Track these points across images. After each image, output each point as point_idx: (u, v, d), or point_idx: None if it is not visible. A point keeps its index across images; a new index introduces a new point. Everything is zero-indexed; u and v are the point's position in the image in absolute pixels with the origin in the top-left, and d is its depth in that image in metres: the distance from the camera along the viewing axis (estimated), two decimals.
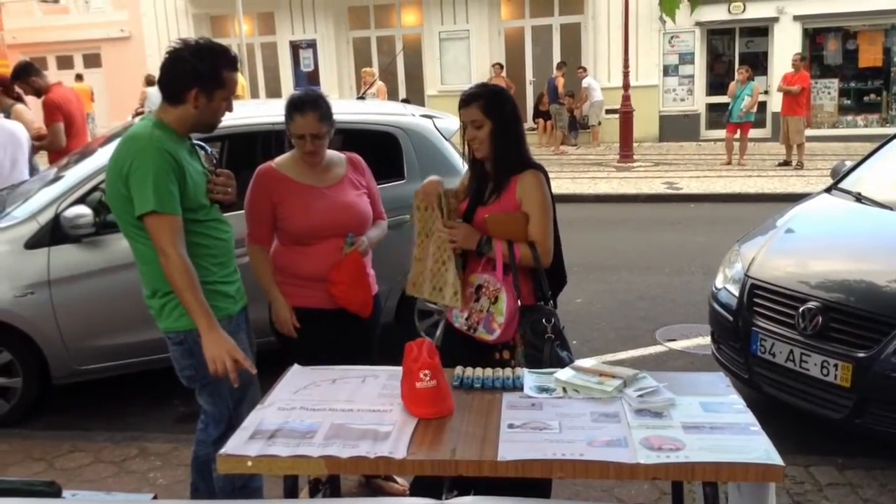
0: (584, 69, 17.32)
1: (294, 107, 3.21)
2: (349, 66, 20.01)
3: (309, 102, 3.21)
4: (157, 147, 2.71)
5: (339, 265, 3.28)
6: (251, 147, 5.11)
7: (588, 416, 2.33)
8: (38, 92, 6.80)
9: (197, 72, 2.76)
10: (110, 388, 4.93)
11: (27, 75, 6.80)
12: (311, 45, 19.91)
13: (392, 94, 17.55)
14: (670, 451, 2.09)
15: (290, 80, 20.06)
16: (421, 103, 16.81)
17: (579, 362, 2.63)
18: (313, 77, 19.62)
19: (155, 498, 2.51)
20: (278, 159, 3.35)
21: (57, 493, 2.28)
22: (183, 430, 4.36)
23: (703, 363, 5.05)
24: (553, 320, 3.00)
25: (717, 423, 2.24)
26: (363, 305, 3.38)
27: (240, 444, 2.22)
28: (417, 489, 2.95)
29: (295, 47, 20.04)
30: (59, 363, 4.55)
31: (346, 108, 5.57)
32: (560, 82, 17.20)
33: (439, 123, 5.59)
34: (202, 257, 2.85)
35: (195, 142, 3.06)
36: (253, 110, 6.29)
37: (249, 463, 2.17)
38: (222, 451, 2.22)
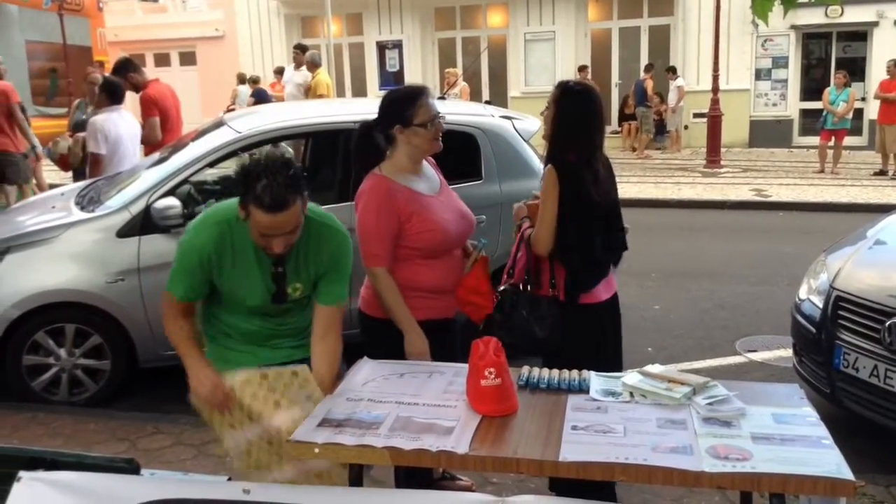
0: (674, 71, 16.94)
1: (416, 94, 3.09)
2: (434, 66, 20.15)
3: (423, 87, 3.16)
4: (198, 234, 2.77)
5: (475, 273, 3.15)
6: (334, 145, 5.23)
7: (654, 421, 2.31)
8: (137, 87, 7.12)
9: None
10: None
11: (127, 71, 7.13)
12: (398, 45, 20.15)
13: (475, 95, 17.60)
14: (737, 461, 2.05)
15: (376, 79, 20.34)
16: (504, 105, 16.81)
17: (648, 368, 2.60)
18: (398, 77, 19.84)
19: (229, 479, 2.62)
20: (385, 170, 3.11)
21: (135, 471, 2.40)
22: None
23: (783, 376, 4.90)
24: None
25: (787, 435, 2.19)
26: (488, 310, 3.21)
27: (309, 431, 2.30)
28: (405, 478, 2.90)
29: (381, 47, 20.30)
30: (146, 348, 4.75)
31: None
32: (649, 85, 16.92)
33: (518, 124, 5.58)
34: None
35: None
36: (337, 108, 6.43)
37: (317, 450, 2.24)
38: (292, 436, 2.30)
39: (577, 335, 3.15)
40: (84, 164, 7.25)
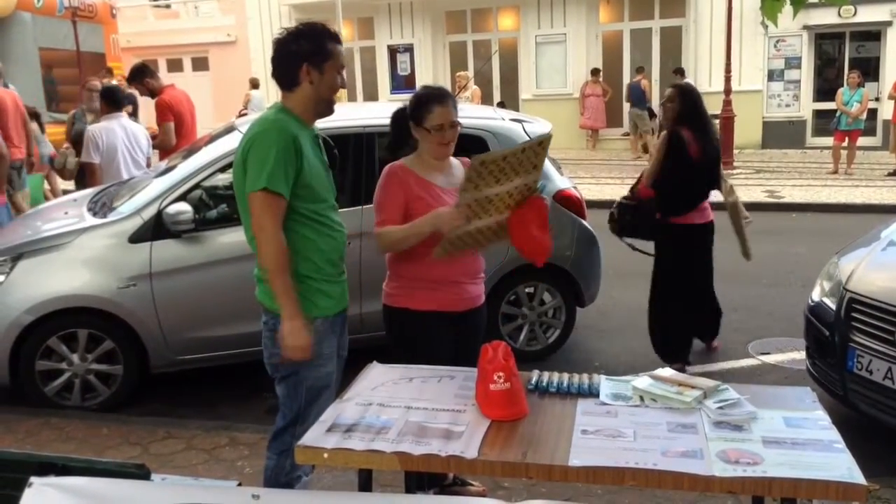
0: (682, 73, 16.86)
1: (433, 98, 3.19)
2: (445, 69, 20.16)
3: (446, 93, 3.25)
4: (281, 128, 2.80)
5: (536, 210, 3.17)
6: (342, 150, 5.22)
7: (664, 425, 2.30)
8: (152, 93, 7.16)
9: (302, 49, 2.86)
10: (205, 379, 5.13)
11: (143, 76, 7.18)
12: (409, 49, 20.18)
13: (486, 99, 17.59)
14: (747, 465, 2.04)
15: (388, 83, 20.38)
16: (515, 108, 16.79)
17: (658, 371, 2.59)
18: (410, 81, 19.86)
19: (239, 485, 2.62)
20: (404, 160, 3.28)
21: (146, 476, 2.40)
22: (271, 422, 4.48)
23: (796, 378, 4.86)
24: None
25: (798, 439, 2.18)
26: (543, 252, 3.25)
27: (318, 437, 2.29)
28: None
29: (392, 51, 20.34)
30: (158, 353, 4.77)
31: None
32: (645, 85, 16.83)
33: (529, 128, 5.58)
34: (311, 251, 2.90)
35: (324, 137, 3.12)
36: (345, 113, 6.43)
37: (326, 455, 2.24)
38: (300, 441, 2.30)
39: (667, 246, 5.15)
40: (81, 174, 7.32)
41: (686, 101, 5.05)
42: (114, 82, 10.65)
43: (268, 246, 2.76)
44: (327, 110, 2.98)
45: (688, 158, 4.91)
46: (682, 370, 4.56)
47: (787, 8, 4.83)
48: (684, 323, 5.26)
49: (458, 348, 3.26)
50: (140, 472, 2.40)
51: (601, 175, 13.84)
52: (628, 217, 5.11)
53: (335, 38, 2.93)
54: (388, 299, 3.33)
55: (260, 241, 2.78)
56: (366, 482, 2.35)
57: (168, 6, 23.59)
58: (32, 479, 2.29)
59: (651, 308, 5.33)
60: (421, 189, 3.18)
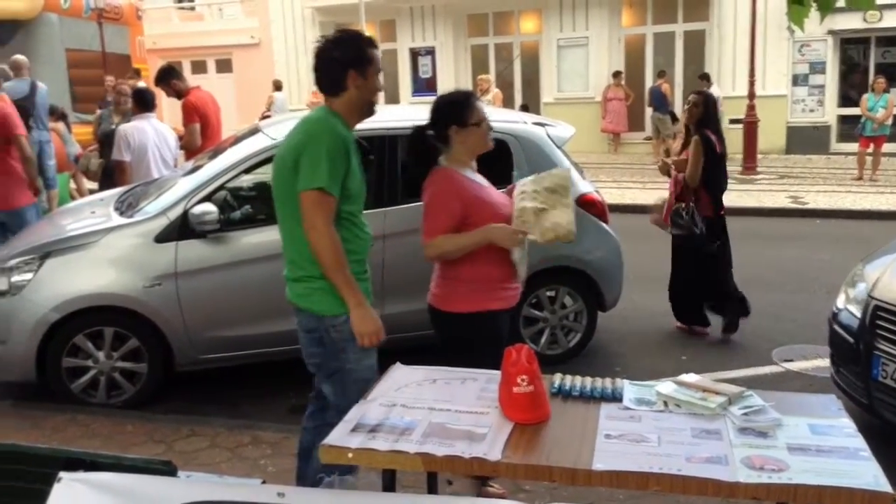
0: (707, 78, 16.75)
1: (467, 96, 3.43)
2: (466, 72, 20.18)
3: (470, 92, 3.52)
4: (334, 129, 2.91)
5: None
6: (364, 152, 5.26)
7: (688, 431, 2.30)
8: (179, 94, 7.25)
9: (346, 56, 2.98)
10: (227, 378, 5.18)
11: (169, 78, 7.27)
12: (430, 52, 20.22)
13: (508, 102, 17.59)
14: (772, 472, 2.03)
15: (409, 86, 20.43)
16: (536, 111, 16.78)
17: (682, 377, 2.58)
18: (431, 84, 19.91)
19: (263, 483, 2.64)
20: (447, 164, 3.41)
21: (172, 472, 2.43)
22: (294, 421, 4.53)
23: (820, 386, 4.82)
24: None
25: (824, 446, 2.17)
26: None
27: (342, 436, 2.31)
28: None
29: (414, 54, 20.40)
30: (183, 351, 4.82)
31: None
32: (666, 89, 16.76)
33: (552, 131, 5.58)
34: (345, 251, 2.98)
35: (359, 140, 3.23)
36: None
37: (350, 454, 2.26)
38: (325, 440, 2.32)
39: (718, 235, 5.85)
40: (106, 174, 7.42)
41: (708, 106, 5.84)
42: (140, 84, 10.78)
43: (323, 244, 2.86)
44: (369, 113, 3.10)
45: (717, 155, 5.75)
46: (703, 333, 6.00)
47: (814, 13, 4.80)
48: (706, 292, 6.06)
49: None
50: (167, 469, 2.43)
51: (623, 179, 13.79)
52: (684, 219, 5.76)
53: (373, 44, 3.07)
54: (450, 304, 3.40)
55: (313, 240, 2.87)
56: (390, 482, 2.37)
57: (192, 8, 23.78)
58: (61, 474, 2.32)
59: (677, 287, 6.09)
60: (475, 190, 3.38)
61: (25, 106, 8.07)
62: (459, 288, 3.35)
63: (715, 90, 16.48)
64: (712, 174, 5.75)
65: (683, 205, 5.78)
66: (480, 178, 3.49)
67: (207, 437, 4.30)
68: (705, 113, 5.78)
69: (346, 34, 3.07)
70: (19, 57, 9.85)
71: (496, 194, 3.51)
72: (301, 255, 2.98)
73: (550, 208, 3.33)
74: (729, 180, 6.18)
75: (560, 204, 3.36)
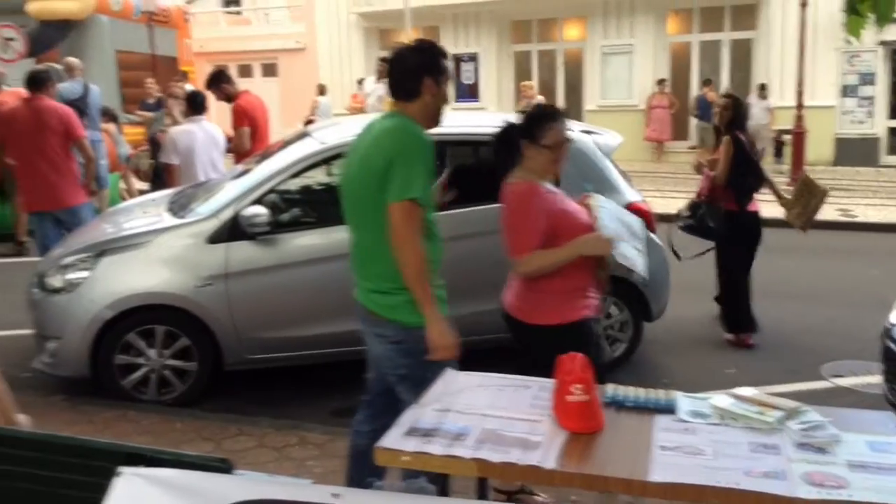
0: (763, 87, 16.43)
1: (549, 116, 3.30)
2: (509, 79, 20.18)
3: (558, 110, 3.36)
4: (424, 137, 2.92)
5: None
6: None
7: (745, 445, 2.28)
8: (229, 98, 7.38)
9: (423, 63, 3.00)
10: (274, 378, 5.24)
11: (220, 82, 7.41)
12: (473, 58, 20.25)
13: None
14: (832, 489, 2.01)
15: (452, 92, 20.46)
16: (578, 118, 16.71)
17: (738, 390, 2.56)
18: (473, 90, 19.95)
19: (313, 483, 2.67)
20: (525, 177, 3.30)
21: (228, 470, 2.47)
22: (338, 423, 4.58)
23: (872, 402, 4.73)
24: None
25: (884, 464, 2.14)
26: None
27: (397, 440, 2.33)
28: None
29: (457, 60, 20.42)
30: (231, 351, 4.89)
31: (491, 121, 5.63)
32: (711, 98, 16.57)
33: (599, 140, 5.56)
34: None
35: None
36: None
37: (404, 458, 2.28)
38: (379, 443, 2.34)
39: (740, 231, 5.89)
40: (156, 174, 7.58)
41: (737, 110, 6.09)
42: (188, 86, 10.97)
43: (413, 256, 2.86)
44: (437, 121, 3.09)
45: (747, 155, 5.96)
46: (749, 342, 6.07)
47: (871, 24, 4.73)
48: (747, 294, 6.22)
49: None
50: (223, 466, 2.47)
51: (666, 188, 13.65)
52: (701, 211, 5.94)
53: (445, 55, 3.10)
54: (540, 317, 3.31)
55: (405, 252, 2.85)
56: (443, 487, 2.38)
57: (239, 13, 24.12)
58: (122, 468, 2.37)
59: (725, 290, 6.21)
60: (558, 203, 3.29)
61: (79, 106, 8.28)
62: (550, 299, 3.28)
63: (771, 103, 16.19)
64: (740, 173, 5.92)
65: (703, 198, 5.99)
66: (558, 190, 3.39)
67: (255, 436, 4.35)
68: (735, 115, 6.04)
69: (423, 43, 3.11)
70: (73, 59, 10.11)
71: (574, 205, 3.41)
72: (388, 266, 2.93)
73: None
74: (767, 187, 6.27)
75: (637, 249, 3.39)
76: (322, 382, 5.23)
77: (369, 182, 2.91)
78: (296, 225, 5.06)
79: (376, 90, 12.43)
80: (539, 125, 3.26)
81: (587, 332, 3.30)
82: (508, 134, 3.37)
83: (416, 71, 2.99)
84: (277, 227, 4.94)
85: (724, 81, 18.08)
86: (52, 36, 14.26)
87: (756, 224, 6.10)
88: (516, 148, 3.31)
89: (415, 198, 2.82)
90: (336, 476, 3.69)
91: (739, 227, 5.97)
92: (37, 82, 6.42)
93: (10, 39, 11.85)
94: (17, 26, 12.11)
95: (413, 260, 2.85)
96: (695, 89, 18.08)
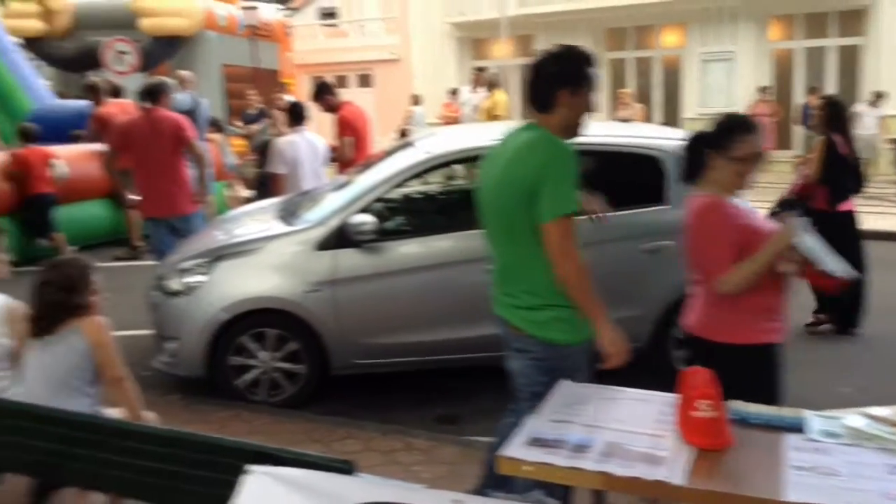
0: (879, 95, 15.71)
1: (742, 126, 3.03)
2: (603, 87, 19.96)
3: (753, 120, 3.11)
4: (570, 151, 2.86)
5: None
6: None
7: (882, 467, 2.19)
8: (332, 109, 7.57)
9: (562, 73, 2.93)
10: (381, 383, 5.33)
11: (324, 94, 7.64)
12: None
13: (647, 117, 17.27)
14: None
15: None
16: (675, 126, 16.37)
17: (872, 410, 2.46)
18: None
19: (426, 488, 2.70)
20: (712, 192, 3.08)
21: (349, 472, 2.53)
22: (441, 430, 4.63)
23: None
24: None
25: None
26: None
27: (519, 449, 2.34)
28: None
29: None
30: (339, 355, 5.00)
31: (607, 130, 5.60)
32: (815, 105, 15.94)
33: None
34: None
35: None
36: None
37: (526, 467, 2.28)
38: (500, 451, 2.35)
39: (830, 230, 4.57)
40: (262, 182, 7.83)
41: (832, 111, 6.22)
42: (288, 97, 11.30)
43: (576, 271, 2.83)
44: (575, 133, 2.99)
45: (841, 156, 6.07)
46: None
47: None
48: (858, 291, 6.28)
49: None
50: (345, 468, 2.53)
51: (770, 199, 13.22)
52: (790, 208, 5.95)
53: (590, 62, 2.98)
54: (729, 335, 3.08)
55: (569, 268, 2.82)
56: (564, 499, 2.38)
57: (336, 25, 24.68)
58: (251, 466, 2.46)
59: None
60: (748, 218, 3.06)
61: (189, 118, 8.62)
62: (739, 317, 3.04)
63: (871, 111, 15.53)
64: (834, 173, 6.10)
65: (793, 196, 6.33)
66: (745, 204, 3.20)
67: (362, 440, 4.43)
68: (831, 116, 6.21)
69: (567, 50, 2.99)
70: (185, 72, 10.56)
71: (761, 217, 3.23)
72: (538, 282, 2.91)
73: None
74: (866, 192, 6.57)
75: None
76: (424, 389, 5.29)
77: (516, 198, 2.85)
78: (401, 233, 5.14)
79: (471, 100, 12.51)
80: (730, 135, 3.01)
81: (772, 357, 3.07)
82: (696, 143, 3.14)
83: (550, 82, 2.92)
84: (383, 235, 5.02)
85: (830, 89, 17.37)
86: (162, 51, 14.94)
87: (850, 223, 6.25)
88: (701, 159, 3.09)
89: (570, 213, 2.80)
90: (444, 482, 3.73)
91: (830, 226, 5.72)
92: (153, 93, 6.70)
93: (124, 53, 12.49)
94: (130, 40, 12.74)
95: (576, 274, 2.82)
96: (798, 97, 17.46)
